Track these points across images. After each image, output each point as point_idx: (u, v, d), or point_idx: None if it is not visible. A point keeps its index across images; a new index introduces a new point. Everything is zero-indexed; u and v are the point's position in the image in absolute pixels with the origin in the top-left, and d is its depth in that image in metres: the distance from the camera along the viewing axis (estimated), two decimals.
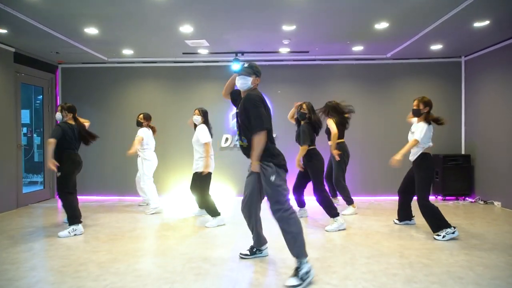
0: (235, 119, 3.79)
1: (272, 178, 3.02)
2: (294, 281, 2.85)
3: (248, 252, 3.56)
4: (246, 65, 3.26)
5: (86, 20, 4.80)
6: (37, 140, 7.91)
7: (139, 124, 5.84)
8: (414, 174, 4.33)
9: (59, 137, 4.32)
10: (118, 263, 3.42)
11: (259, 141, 3.00)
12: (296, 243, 2.95)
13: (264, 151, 3.05)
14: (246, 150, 3.22)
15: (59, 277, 3.08)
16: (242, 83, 3.18)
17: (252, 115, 3.03)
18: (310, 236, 4.25)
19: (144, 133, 5.70)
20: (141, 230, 4.67)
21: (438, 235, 4.09)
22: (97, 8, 4.40)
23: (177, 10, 4.45)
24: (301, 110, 4.80)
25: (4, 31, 5.13)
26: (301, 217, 5.15)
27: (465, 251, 3.69)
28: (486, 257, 3.49)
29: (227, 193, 7.02)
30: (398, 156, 4.17)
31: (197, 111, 5.10)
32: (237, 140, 3.47)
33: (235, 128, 3.90)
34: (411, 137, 4.31)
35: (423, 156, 4.24)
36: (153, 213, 5.63)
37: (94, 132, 4.75)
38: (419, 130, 4.19)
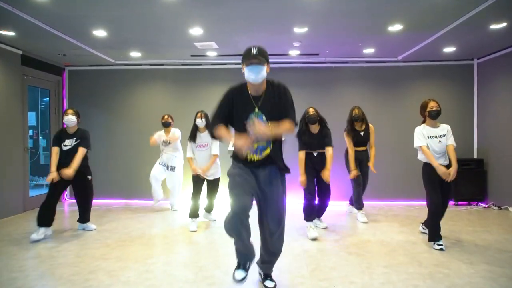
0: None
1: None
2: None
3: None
4: (255, 50, 2.52)
5: (94, 22, 4.72)
6: (43, 142, 7.86)
7: (169, 125, 5.86)
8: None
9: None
10: (128, 271, 3.34)
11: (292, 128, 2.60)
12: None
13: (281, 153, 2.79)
14: (262, 160, 2.70)
15: (68, 287, 3.00)
16: (257, 75, 2.52)
17: (290, 106, 2.65)
18: (324, 243, 4.16)
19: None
20: (149, 236, 4.57)
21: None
22: (106, 11, 4.32)
23: (187, 12, 4.37)
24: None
25: (11, 33, 5.07)
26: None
27: (486, 260, 3.58)
28: (509, 267, 3.38)
29: None
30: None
31: (200, 114, 4.95)
32: (254, 152, 2.67)
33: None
34: (444, 143, 4.01)
35: None
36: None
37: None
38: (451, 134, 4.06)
